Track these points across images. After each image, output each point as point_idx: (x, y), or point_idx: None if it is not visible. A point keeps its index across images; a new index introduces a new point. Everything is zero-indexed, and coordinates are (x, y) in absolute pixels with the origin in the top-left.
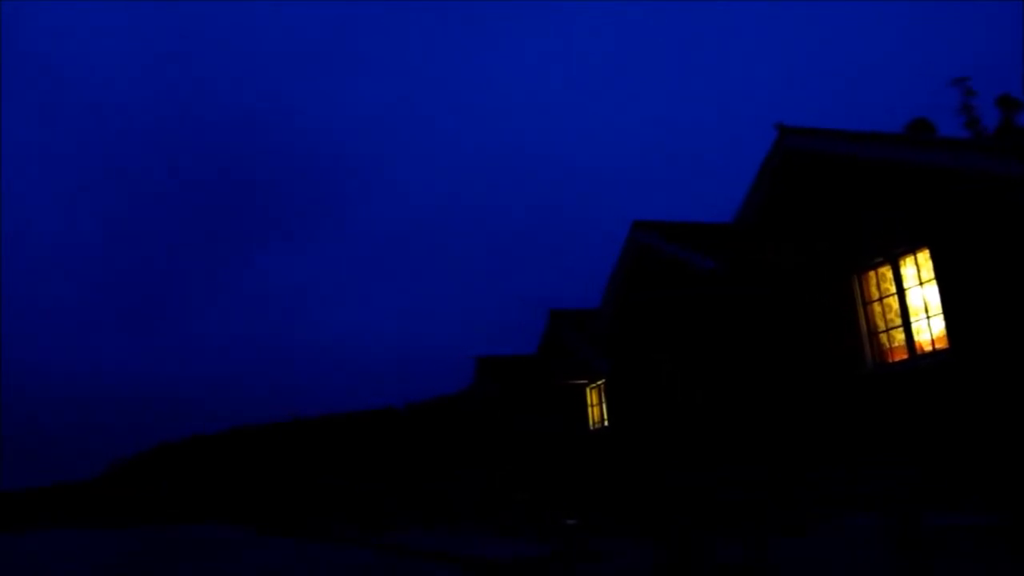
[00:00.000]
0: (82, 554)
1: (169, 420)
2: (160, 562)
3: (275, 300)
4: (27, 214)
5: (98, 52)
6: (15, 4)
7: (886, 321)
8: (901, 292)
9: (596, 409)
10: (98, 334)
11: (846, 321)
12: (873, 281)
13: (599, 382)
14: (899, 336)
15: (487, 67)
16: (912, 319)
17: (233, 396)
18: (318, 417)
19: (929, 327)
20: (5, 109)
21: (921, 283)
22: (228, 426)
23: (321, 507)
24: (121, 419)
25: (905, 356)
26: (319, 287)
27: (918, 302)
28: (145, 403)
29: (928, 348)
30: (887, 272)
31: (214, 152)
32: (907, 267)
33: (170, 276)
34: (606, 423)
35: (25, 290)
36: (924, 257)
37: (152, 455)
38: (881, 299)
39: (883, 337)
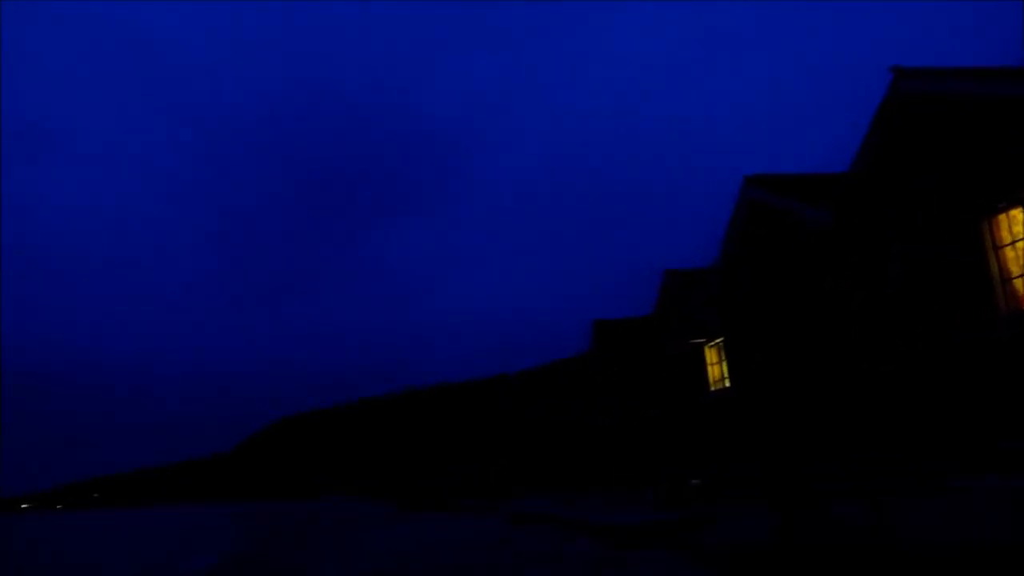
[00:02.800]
0: (234, 528)
1: (293, 396)
2: (303, 540)
3: (391, 276)
4: (155, 204)
5: (211, 46)
6: (134, 8)
7: (1020, 266)
8: None
9: (715, 368)
10: (224, 316)
11: (974, 269)
12: (1004, 225)
13: (717, 341)
14: None
15: (593, 39)
16: None
17: (352, 371)
18: (432, 387)
19: None
20: (131, 107)
21: None
22: (347, 399)
23: (446, 478)
24: (248, 396)
25: None
26: (434, 262)
27: None
28: (270, 380)
29: None
30: (1018, 215)
31: (329, 136)
32: None
33: (290, 257)
34: (726, 383)
35: (155, 277)
36: None
37: (278, 429)
38: (1013, 243)
39: (1018, 283)
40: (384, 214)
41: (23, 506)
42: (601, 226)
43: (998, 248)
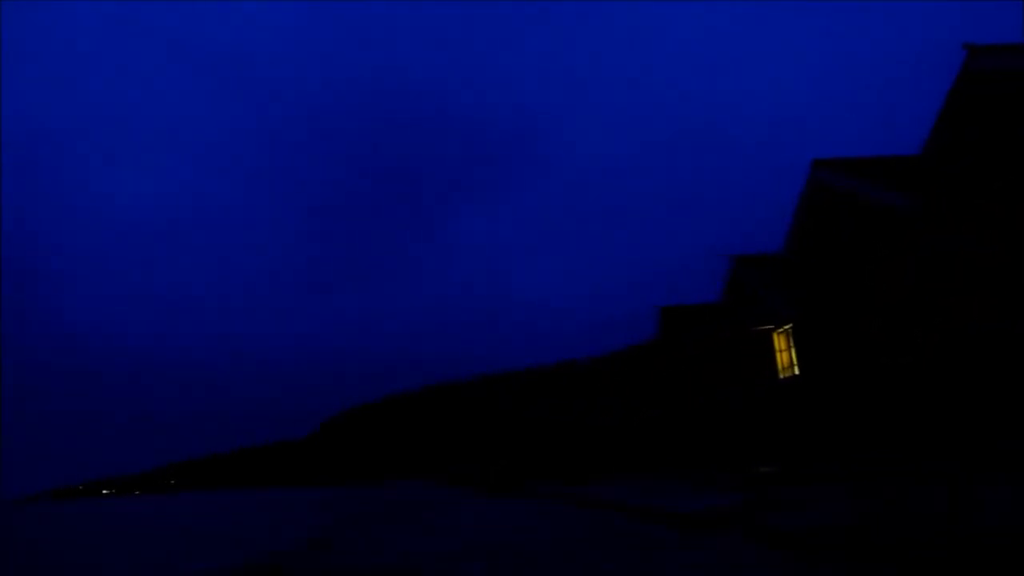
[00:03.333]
0: (310, 512)
1: (362, 383)
2: (377, 524)
3: (458, 264)
4: (230, 195)
5: (283, 36)
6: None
7: None
8: None
9: (784, 355)
10: (296, 305)
11: None
12: None
13: (786, 327)
14: None
15: (659, 24)
16: None
17: (420, 359)
18: (500, 374)
19: None
20: (203, 98)
21: None
22: (415, 387)
23: (515, 462)
24: (319, 384)
25: None
26: (501, 249)
27: None
28: (339, 368)
29: None
30: None
31: (398, 124)
32: None
33: (360, 246)
34: (796, 370)
35: (229, 267)
36: None
37: (348, 417)
38: None
39: None
40: (451, 202)
41: (104, 492)
42: (667, 211)
43: None
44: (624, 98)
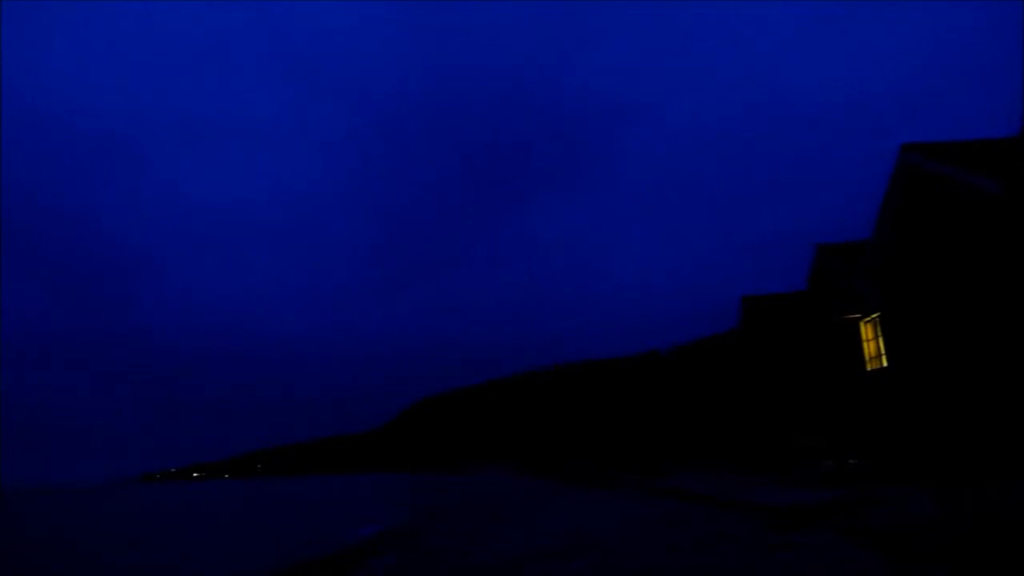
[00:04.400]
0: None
1: (446, 371)
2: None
3: (541, 252)
4: (315, 187)
5: (368, 27)
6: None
7: None
8: None
9: (871, 344)
10: (389, 293)
11: None
12: None
13: (873, 316)
14: None
15: (742, 11)
16: None
17: (503, 347)
18: (581, 363)
19: None
20: (307, 98)
21: None
22: (496, 376)
23: (595, 453)
24: (402, 371)
25: None
26: (589, 238)
27: None
28: (423, 356)
29: None
30: None
31: (481, 114)
32: None
33: (450, 236)
34: (883, 361)
35: (314, 257)
36: None
37: (429, 405)
38: None
39: None
40: (533, 193)
41: (194, 475)
42: (751, 201)
43: None
44: (708, 87)
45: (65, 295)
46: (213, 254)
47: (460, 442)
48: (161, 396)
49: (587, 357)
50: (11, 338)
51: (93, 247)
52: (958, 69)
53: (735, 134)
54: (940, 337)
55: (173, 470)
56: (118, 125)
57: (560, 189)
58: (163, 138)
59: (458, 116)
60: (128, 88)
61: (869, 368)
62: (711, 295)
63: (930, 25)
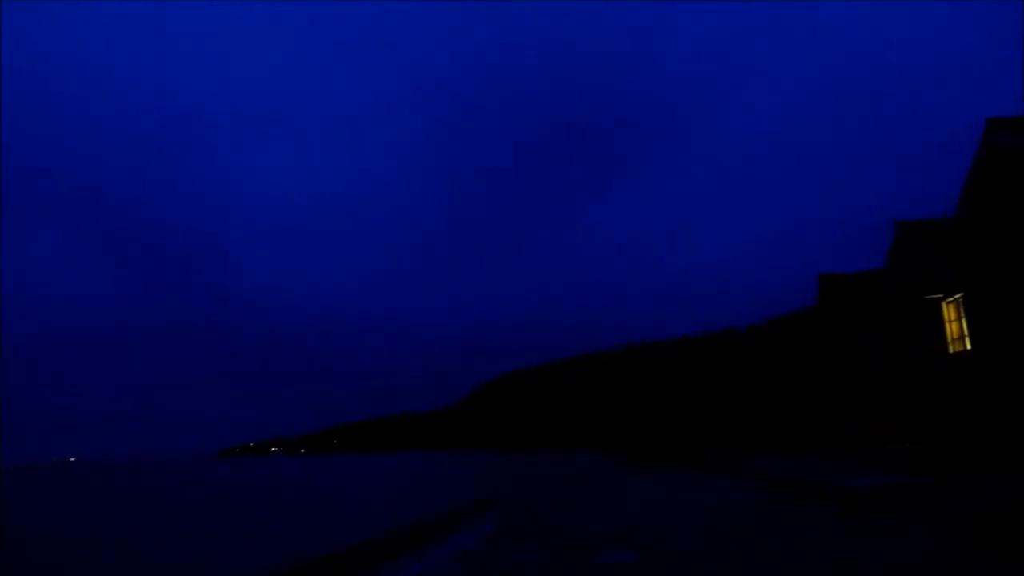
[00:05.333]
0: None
1: (516, 351)
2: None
3: (613, 232)
4: (384, 170)
5: (436, 18)
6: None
7: None
8: None
9: (954, 325)
10: (450, 276)
11: None
12: None
13: (956, 297)
14: None
15: None
16: None
17: (575, 326)
18: (656, 342)
19: None
20: (367, 80)
21: None
22: (569, 355)
23: (668, 433)
24: (472, 351)
25: None
26: (656, 216)
27: None
28: (494, 335)
29: None
30: None
31: (549, 95)
32: None
33: (520, 216)
34: (966, 343)
35: (385, 238)
36: None
37: (502, 383)
38: None
39: None
40: (606, 168)
41: (272, 449)
42: (829, 177)
43: None
44: (779, 63)
45: (147, 278)
46: (289, 237)
47: (534, 423)
48: (240, 374)
49: (662, 336)
50: (98, 322)
51: (172, 232)
52: None
53: (811, 109)
54: None
55: (252, 445)
56: (194, 114)
57: (633, 166)
58: (236, 126)
59: (527, 93)
60: (203, 77)
61: (951, 351)
62: (787, 273)
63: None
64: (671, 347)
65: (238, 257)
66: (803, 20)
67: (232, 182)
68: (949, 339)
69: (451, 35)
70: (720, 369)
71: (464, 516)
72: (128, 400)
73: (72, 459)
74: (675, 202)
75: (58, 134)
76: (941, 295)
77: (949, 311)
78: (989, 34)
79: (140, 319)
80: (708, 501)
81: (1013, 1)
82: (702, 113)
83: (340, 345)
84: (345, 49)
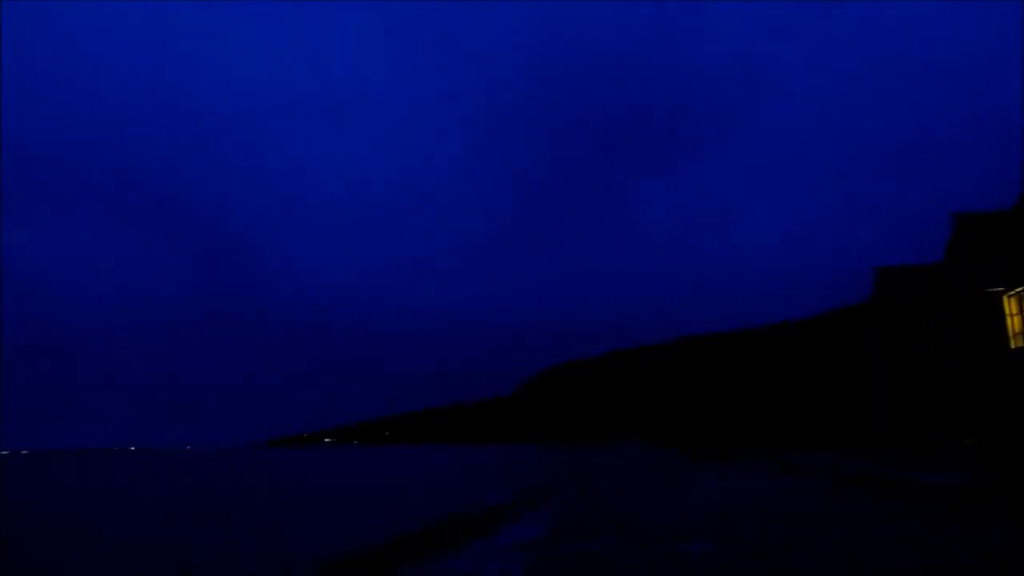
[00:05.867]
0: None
1: (564, 343)
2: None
3: (663, 225)
4: (440, 161)
5: (503, 7)
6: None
7: None
8: None
9: (1016, 320)
10: (502, 265)
11: None
12: None
13: (1018, 290)
14: None
15: None
16: None
17: (628, 318)
18: (706, 335)
19: None
20: (435, 70)
21: None
22: (621, 347)
23: (726, 428)
24: (528, 342)
25: None
26: (707, 207)
27: None
28: (543, 327)
29: None
30: None
31: (603, 83)
32: None
33: (574, 208)
34: None
35: (441, 230)
36: None
37: (554, 375)
38: None
39: None
40: (658, 163)
41: (326, 440)
42: (885, 169)
43: None
44: (835, 53)
45: (202, 271)
46: (345, 226)
47: (581, 416)
48: (293, 364)
49: (712, 329)
50: (153, 312)
51: (227, 224)
52: None
53: (862, 100)
54: None
55: (304, 435)
56: (247, 105)
57: (687, 160)
58: (292, 115)
59: (587, 82)
60: (256, 68)
61: (1013, 345)
62: (845, 266)
63: None
64: (720, 341)
65: (292, 250)
66: (854, 10)
67: (285, 176)
68: (1011, 333)
69: (517, 21)
70: (770, 364)
71: (526, 504)
72: (180, 391)
73: (132, 448)
74: (723, 195)
75: (111, 131)
76: (1003, 288)
77: (1011, 304)
78: None
79: (196, 311)
80: (771, 496)
81: None
82: (755, 106)
83: (390, 337)
84: (408, 37)
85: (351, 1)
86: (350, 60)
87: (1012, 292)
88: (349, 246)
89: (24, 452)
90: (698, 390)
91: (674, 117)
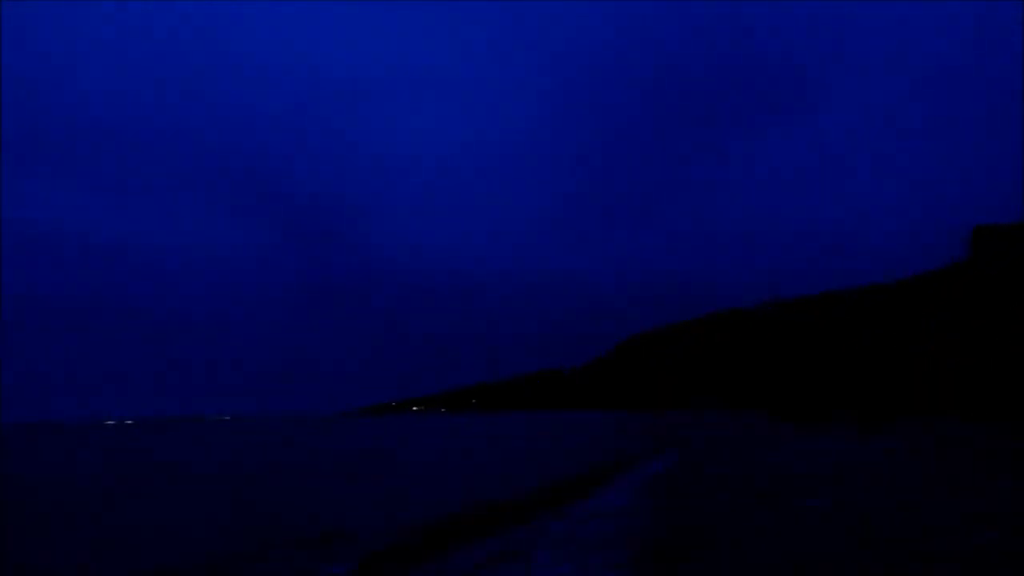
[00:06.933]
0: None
1: (658, 306)
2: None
3: (761, 185)
4: (524, 130)
5: None
6: None
7: None
8: None
9: None
10: (596, 229)
11: None
12: None
13: None
14: None
15: None
16: None
17: (715, 283)
18: (796, 299)
19: None
20: (515, 37)
21: None
22: (713, 310)
23: (808, 391)
24: (612, 308)
25: None
26: (796, 171)
27: None
28: (634, 291)
29: None
30: None
31: (690, 47)
32: None
33: (658, 169)
34: None
35: (524, 199)
36: None
37: (640, 341)
38: None
39: None
40: (750, 124)
41: (414, 408)
42: (981, 125)
43: None
44: (936, 15)
45: (297, 240)
46: (435, 198)
47: (674, 378)
48: (382, 333)
49: (803, 293)
50: (251, 283)
51: (324, 195)
52: None
53: (962, 56)
54: None
55: (393, 404)
56: (347, 83)
57: (780, 121)
58: (385, 91)
59: (665, 49)
60: (356, 46)
61: None
62: (941, 225)
63: None
64: (813, 303)
65: (384, 218)
66: None
67: (380, 146)
68: None
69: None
70: (867, 325)
71: (654, 452)
72: (275, 359)
73: (227, 417)
74: (817, 157)
75: (209, 104)
76: None
77: None
78: None
79: (289, 280)
80: (873, 459)
81: None
82: (854, 65)
83: (477, 304)
84: (485, 16)
85: None
86: (437, 36)
87: None
88: (442, 215)
89: (129, 421)
90: (788, 353)
91: (763, 79)
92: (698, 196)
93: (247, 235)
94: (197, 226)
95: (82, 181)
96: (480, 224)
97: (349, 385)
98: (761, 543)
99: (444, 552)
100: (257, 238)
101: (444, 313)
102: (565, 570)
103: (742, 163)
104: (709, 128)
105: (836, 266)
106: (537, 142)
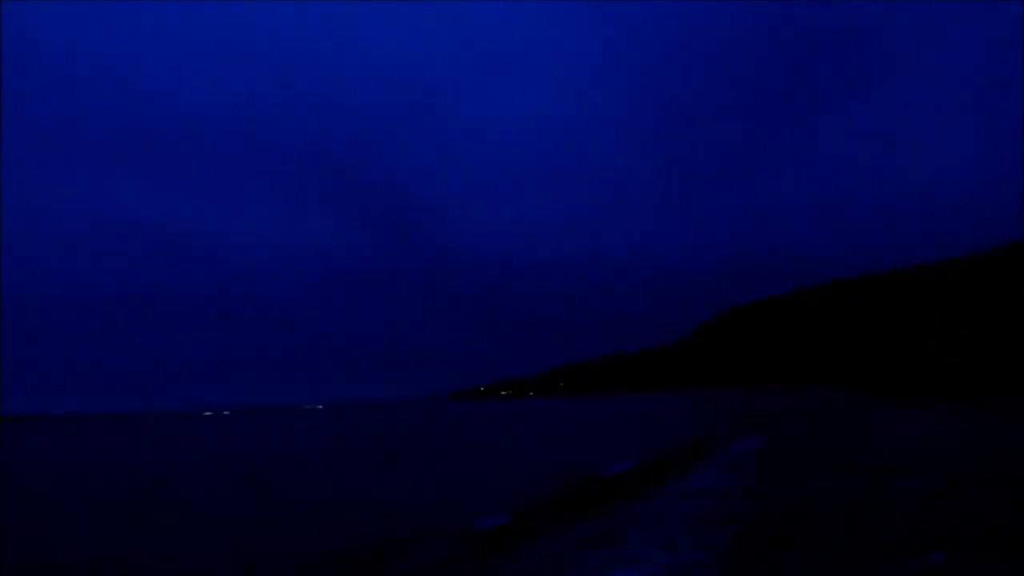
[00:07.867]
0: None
1: (741, 283)
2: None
3: (833, 160)
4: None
5: None
6: None
7: None
8: None
9: None
10: (667, 214)
11: None
12: None
13: None
14: None
15: None
16: None
17: (798, 257)
18: (885, 272)
19: None
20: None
21: None
22: (793, 287)
23: (899, 365)
24: (697, 285)
25: None
26: (876, 143)
27: None
28: (718, 268)
29: None
30: None
31: (773, 19)
32: None
33: (744, 143)
34: None
35: (603, 175)
36: None
37: (730, 316)
38: None
39: None
40: (827, 97)
41: (502, 392)
42: None
43: None
44: None
45: (383, 228)
46: (518, 183)
47: (760, 355)
48: (470, 317)
49: (893, 265)
50: (344, 275)
51: (407, 185)
52: None
53: None
54: None
55: (482, 388)
56: (425, 70)
57: (862, 90)
58: (461, 81)
59: (748, 22)
60: (434, 38)
61: None
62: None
63: None
64: (903, 277)
65: (465, 204)
66: None
67: (457, 132)
68: None
69: None
70: (962, 297)
71: (744, 429)
72: (366, 348)
73: (320, 406)
74: (902, 125)
75: (293, 96)
76: None
77: None
78: None
79: (377, 267)
80: (979, 435)
81: None
82: (921, 39)
83: (559, 286)
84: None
85: None
86: (517, 19)
87: None
88: (520, 200)
89: (207, 413)
90: (888, 327)
91: (847, 50)
92: (789, 163)
93: (337, 230)
94: (291, 223)
95: (183, 182)
96: (560, 208)
97: (438, 371)
98: (860, 526)
99: (533, 537)
100: (347, 233)
101: (528, 297)
102: (653, 552)
103: (837, 130)
104: (795, 100)
105: (915, 239)
106: (613, 122)
